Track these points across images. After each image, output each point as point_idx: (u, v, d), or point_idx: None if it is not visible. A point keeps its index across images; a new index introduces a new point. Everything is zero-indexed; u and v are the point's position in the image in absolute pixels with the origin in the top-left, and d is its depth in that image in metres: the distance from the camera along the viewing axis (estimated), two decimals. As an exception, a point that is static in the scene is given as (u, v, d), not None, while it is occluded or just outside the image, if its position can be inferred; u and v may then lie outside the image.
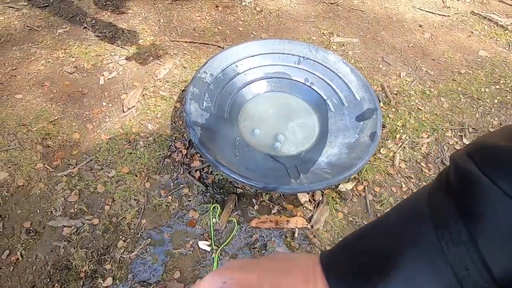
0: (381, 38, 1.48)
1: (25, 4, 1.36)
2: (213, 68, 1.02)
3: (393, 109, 1.18)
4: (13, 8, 1.34)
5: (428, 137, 1.11)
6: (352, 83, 1.05)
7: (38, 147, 0.94)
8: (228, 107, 1.02)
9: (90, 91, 1.10)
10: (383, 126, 1.11)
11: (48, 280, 0.73)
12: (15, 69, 1.13)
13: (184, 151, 0.97)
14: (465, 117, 1.20)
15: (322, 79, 1.10)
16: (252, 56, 1.10)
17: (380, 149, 1.05)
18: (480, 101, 1.26)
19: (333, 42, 1.41)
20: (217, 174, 0.93)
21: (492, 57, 1.46)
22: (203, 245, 0.80)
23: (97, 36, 1.28)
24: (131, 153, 0.95)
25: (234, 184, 0.92)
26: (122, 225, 0.82)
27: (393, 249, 0.21)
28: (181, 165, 0.95)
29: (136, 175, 0.91)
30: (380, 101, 1.17)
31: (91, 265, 0.76)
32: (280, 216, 0.87)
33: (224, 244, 0.81)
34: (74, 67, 1.16)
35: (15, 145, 0.94)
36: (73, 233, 0.80)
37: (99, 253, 0.77)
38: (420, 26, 1.58)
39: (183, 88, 1.15)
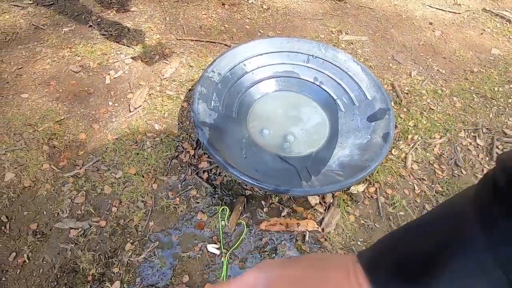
0: (390, 36, 1.44)
1: (31, 2, 1.35)
2: (221, 67, 1.00)
3: (405, 109, 1.15)
4: (19, 6, 1.32)
5: (440, 138, 1.08)
6: (363, 82, 1.03)
7: (44, 148, 0.93)
8: (236, 106, 1.00)
9: (96, 90, 1.08)
10: (395, 127, 1.08)
11: (55, 283, 0.72)
12: (20, 68, 1.12)
13: (192, 152, 0.96)
14: (479, 117, 1.17)
15: (332, 78, 1.08)
16: (261, 54, 1.08)
17: (391, 150, 1.03)
18: (494, 100, 1.23)
19: (341, 40, 1.38)
20: (225, 176, 0.92)
21: (505, 55, 1.42)
22: (212, 248, 0.78)
23: (102, 34, 1.26)
24: (138, 153, 0.94)
25: (243, 186, 0.90)
26: (130, 227, 0.81)
27: (440, 248, 0.21)
28: (188, 166, 0.93)
29: (143, 176, 0.89)
30: (391, 101, 1.14)
31: (99, 268, 0.74)
32: (290, 219, 0.85)
33: (233, 247, 0.79)
34: (80, 66, 1.14)
35: (21, 145, 0.92)
36: (80, 235, 0.78)
37: (106, 256, 0.76)
38: (430, 23, 1.54)
39: (190, 87, 1.13)
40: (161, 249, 0.78)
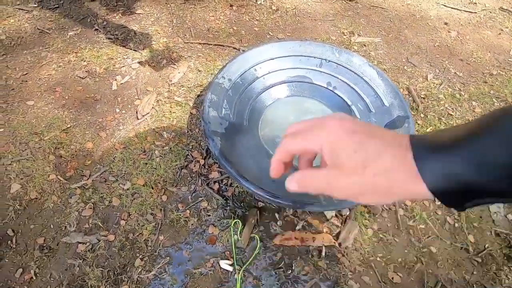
0: (404, 37, 1.39)
1: (35, 5, 1.32)
2: (231, 73, 0.97)
3: (422, 115, 1.10)
4: (23, 10, 1.30)
5: (460, 145, 1.03)
6: (380, 88, 0.98)
7: (50, 157, 0.90)
8: (247, 113, 0.97)
9: (103, 96, 1.06)
10: (412, 133, 1.04)
11: (63, 301, 0.70)
12: (26, 74, 1.10)
13: (202, 161, 0.92)
14: (499, 123, 1.11)
15: (346, 83, 1.03)
16: (272, 59, 1.04)
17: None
18: (515, 105, 1.17)
19: (354, 42, 1.34)
20: (237, 186, 0.88)
21: (526, 56, 1.36)
22: (225, 264, 0.75)
23: (108, 38, 1.23)
24: (146, 163, 0.91)
25: (255, 197, 0.87)
26: (139, 242, 0.78)
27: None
28: (198, 176, 0.90)
29: (152, 187, 0.86)
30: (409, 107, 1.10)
31: (108, 285, 0.71)
32: (306, 233, 0.81)
33: (247, 263, 0.76)
34: (86, 71, 1.11)
35: (27, 155, 0.90)
36: (88, 250, 0.76)
37: (115, 273, 0.73)
38: (446, 23, 1.49)
39: (199, 93, 1.10)
40: (172, 265, 0.75)
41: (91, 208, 0.82)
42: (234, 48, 1.25)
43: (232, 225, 0.81)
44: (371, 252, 0.80)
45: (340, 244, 0.80)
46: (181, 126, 1.00)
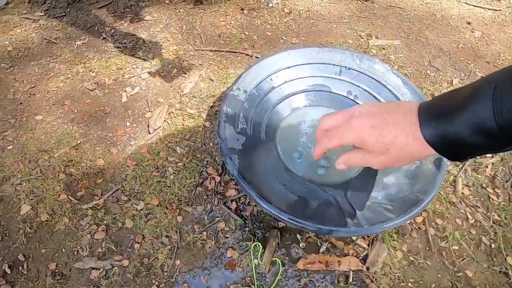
0: (425, 39, 1.32)
1: (42, 14, 1.29)
2: (247, 84, 0.91)
3: (449, 124, 1.04)
4: (30, 19, 1.27)
5: (492, 157, 0.97)
6: (405, 97, 0.92)
7: (61, 176, 0.87)
8: (264, 126, 0.92)
9: (113, 109, 1.02)
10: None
11: (77, 333, 0.66)
12: (34, 86, 1.07)
13: (217, 178, 0.88)
14: (533, 131, 1.04)
15: (368, 92, 0.97)
16: (288, 67, 0.98)
17: (437, 172, 0.92)
18: (549, 110, 1.10)
19: (372, 46, 1.27)
20: (255, 205, 0.83)
21: (557, 57, 1.28)
22: (246, 292, 0.70)
23: (117, 47, 1.19)
24: (159, 181, 0.86)
25: (275, 217, 0.82)
26: (155, 267, 0.74)
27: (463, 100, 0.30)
28: (214, 195, 0.85)
29: (166, 208, 0.82)
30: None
31: (123, 315, 0.68)
32: (330, 256, 0.76)
33: (269, 291, 0.71)
34: (94, 83, 1.08)
35: (37, 173, 0.87)
36: (102, 277, 0.72)
37: (131, 302, 0.69)
38: (469, 23, 1.41)
39: (211, 104, 1.05)
40: (190, 292, 0.71)
41: (103, 230, 0.78)
42: (246, 54, 1.20)
43: (251, 248, 0.76)
44: (402, 277, 0.74)
45: (368, 269, 0.75)
46: (195, 140, 0.96)
